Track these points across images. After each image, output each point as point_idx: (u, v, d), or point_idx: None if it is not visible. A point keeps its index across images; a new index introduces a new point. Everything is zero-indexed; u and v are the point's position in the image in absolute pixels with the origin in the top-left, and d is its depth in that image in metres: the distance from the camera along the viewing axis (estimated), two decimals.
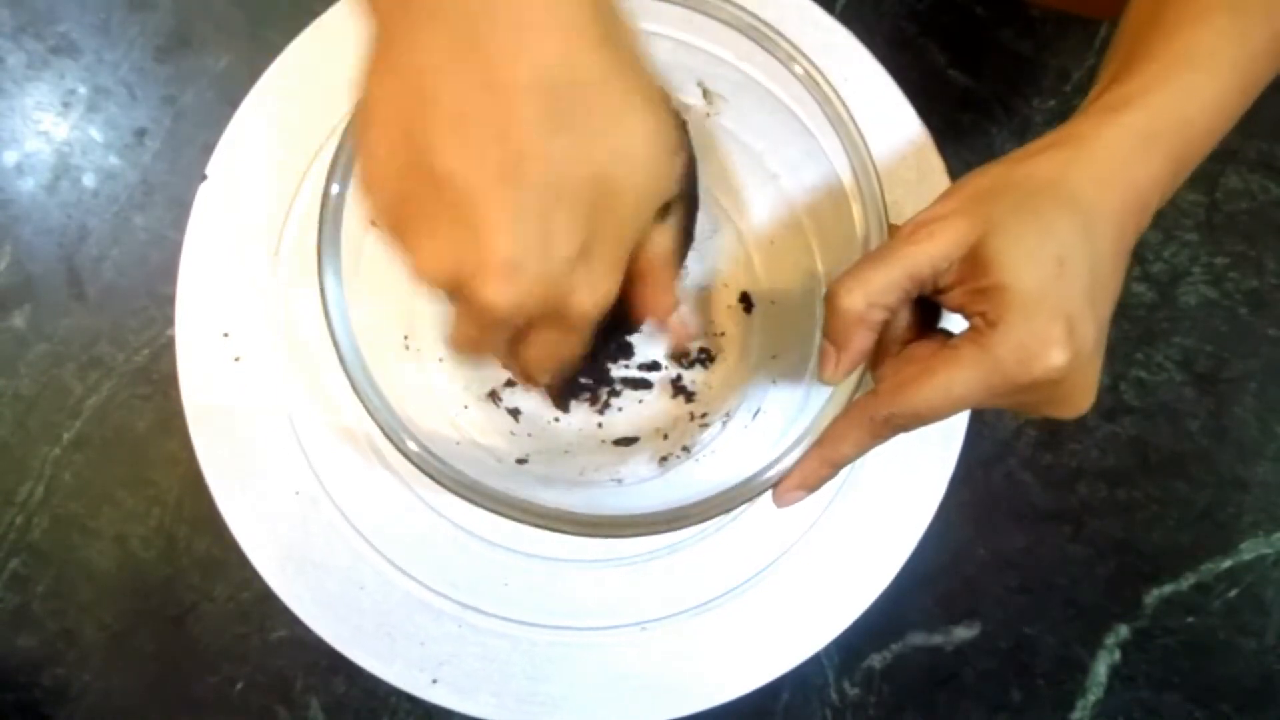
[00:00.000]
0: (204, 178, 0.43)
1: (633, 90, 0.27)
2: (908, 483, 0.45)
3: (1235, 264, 0.52)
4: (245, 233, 0.44)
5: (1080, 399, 0.31)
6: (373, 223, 0.28)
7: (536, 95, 0.25)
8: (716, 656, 0.43)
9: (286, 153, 0.44)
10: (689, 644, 0.43)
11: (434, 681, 0.42)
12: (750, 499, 0.36)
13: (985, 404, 0.31)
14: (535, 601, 0.43)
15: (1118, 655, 0.49)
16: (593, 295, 0.28)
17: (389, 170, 0.27)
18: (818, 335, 0.43)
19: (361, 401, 0.36)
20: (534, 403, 0.45)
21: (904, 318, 0.34)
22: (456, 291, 0.27)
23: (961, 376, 0.30)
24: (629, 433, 0.45)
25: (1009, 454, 0.50)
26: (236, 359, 0.43)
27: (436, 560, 0.43)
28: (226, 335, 0.43)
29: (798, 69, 0.38)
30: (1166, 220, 0.52)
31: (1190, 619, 0.49)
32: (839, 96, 0.38)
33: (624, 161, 0.27)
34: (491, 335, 0.30)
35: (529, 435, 0.45)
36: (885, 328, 0.33)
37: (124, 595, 0.46)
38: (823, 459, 0.34)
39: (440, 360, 0.45)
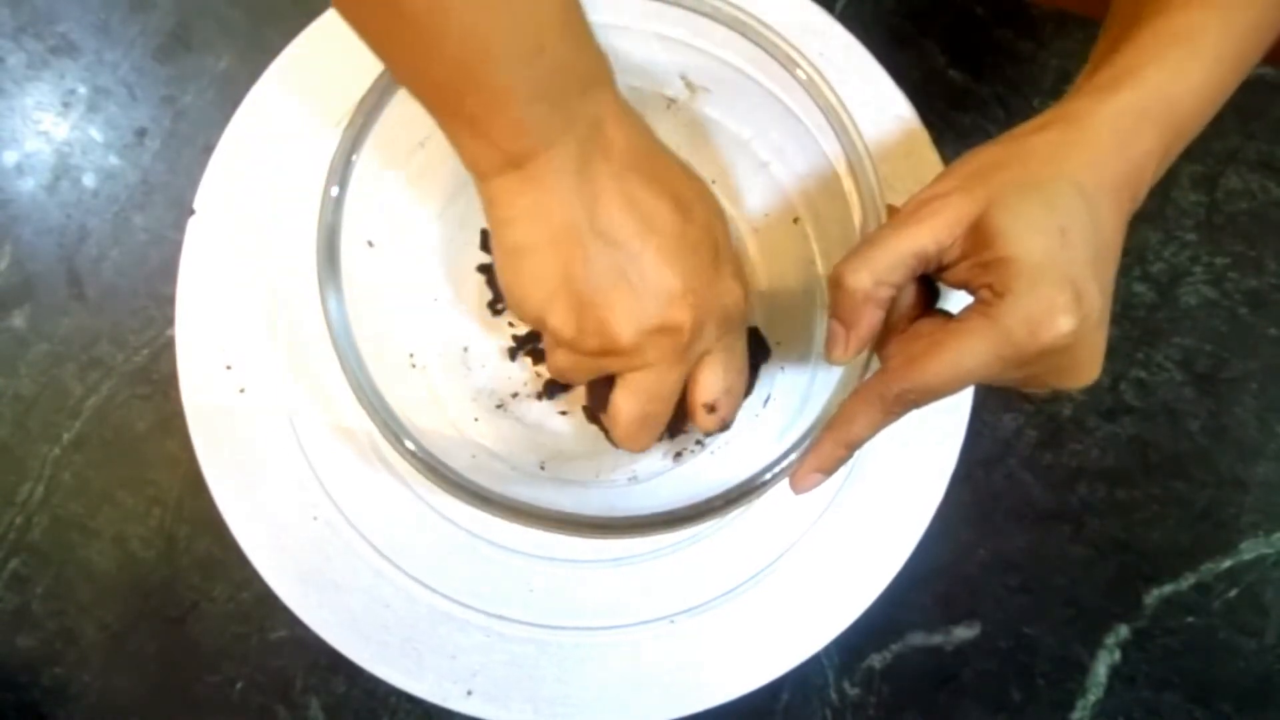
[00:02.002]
0: (192, 212, 0.43)
1: (668, 153, 0.35)
2: (908, 483, 0.45)
3: (1235, 264, 0.52)
4: (244, 240, 0.44)
5: (1087, 367, 0.32)
6: (558, 343, 0.35)
7: (640, 167, 0.33)
8: (716, 656, 0.43)
9: (287, 154, 0.44)
10: (689, 644, 0.43)
11: (469, 693, 0.42)
12: (768, 488, 0.36)
13: (995, 376, 0.31)
14: (558, 604, 0.43)
15: (1118, 655, 0.49)
16: (740, 290, 0.36)
17: (557, 277, 0.32)
18: (820, 318, 0.43)
19: (373, 419, 0.36)
20: (543, 410, 0.45)
21: (908, 295, 0.34)
22: (649, 336, 0.33)
23: (971, 349, 0.30)
24: None
25: (1009, 454, 0.50)
26: (241, 390, 0.43)
27: (459, 572, 0.43)
28: (229, 368, 0.43)
29: (786, 61, 0.38)
30: (1166, 220, 0.52)
31: (1190, 619, 0.49)
32: (826, 82, 0.38)
33: (702, 187, 0.35)
34: (673, 379, 0.36)
35: (541, 442, 0.45)
36: (890, 306, 0.33)
37: (124, 595, 0.46)
38: (836, 441, 0.34)
39: (446, 374, 0.45)
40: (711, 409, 0.37)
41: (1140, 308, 0.51)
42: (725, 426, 0.39)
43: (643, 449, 0.38)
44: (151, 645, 0.46)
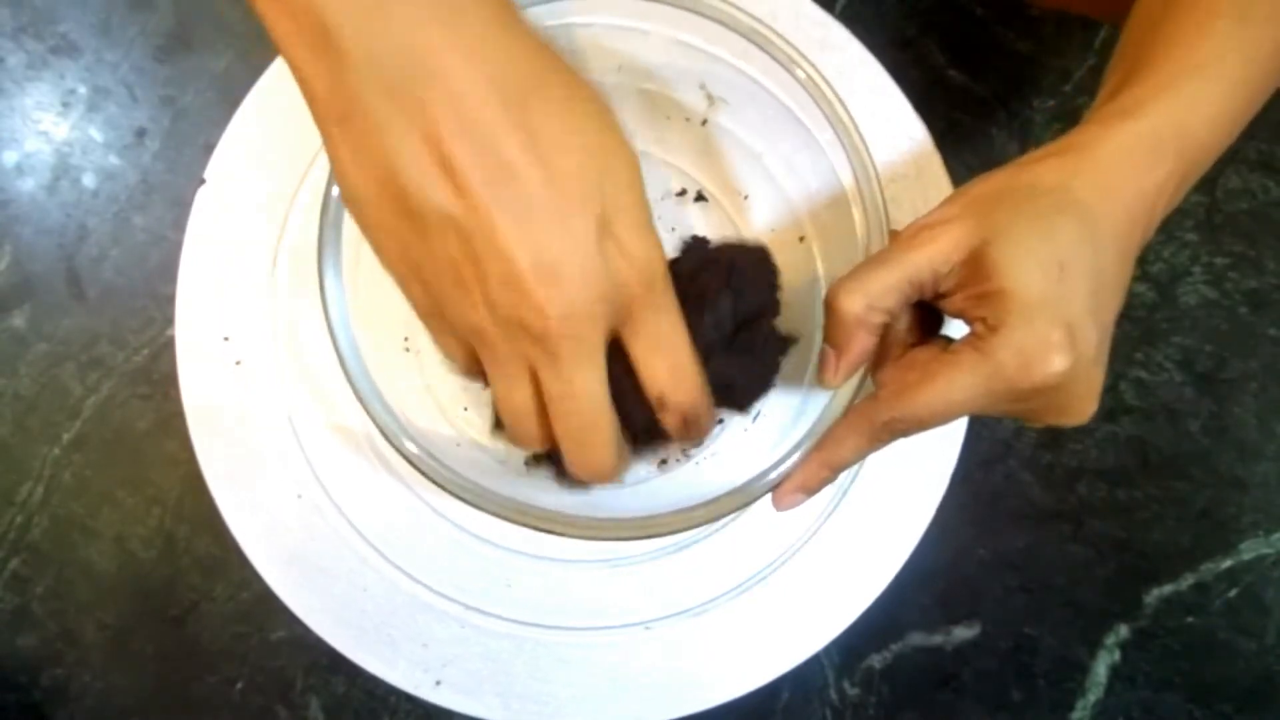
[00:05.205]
0: (202, 181, 0.43)
1: (561, 68, 0.28)
2: (908, 483, 0.45)
3: (1235, 264, 0.52)
4: (245, 234, 0.44)
5: (1082, 406, 0.31)
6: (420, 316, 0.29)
7: (491, 96, 0.25)
8: (716, 656, 0.43)
9: (287, 153, 0.44)
10: (689, 644, 0.43)
11: (438, 683, 0.42)
12: (750, 502, 0.36)
13: (986, 410, 0.31)
14: (538, 602, 0.43)
15: (1118, 655, 0.49)
16: (641, 253, 0.28)
17: (399, 248, 0.27)
18: (818, 338, 0.43)
19: (361, 403, 0.36)
20: None
21: (905, 321, 0.34)
22: (520, 331, 0.27)
23: (962, 381, 0.30)
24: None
25: (1009, 454, 0.50)
26: (237, 362, 0.43)
27: (439, 562, 0.43)
28: (227, 339, 0.43)
29: (799, 73, 0.38)
30: (1166, 220, 0.51)
31: (1190, 619, 0.49)
32: (840, 100, 0.38)
33: (593, 124, 0.27)
34: (575, 377, 0.28)
35: None
36: (886, 331, 0.33)
37: (124, 595, 0.46)
38: (822, 462, 0.34)
39: (440, 362, 0.45)
40: (663, 403, 0.31)
41: (1140, 308, 0.51)
42: (697, 423, 0.32)
43: (599, 472, 0.31)
44: (151, 645, 0.46)
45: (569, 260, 0.26)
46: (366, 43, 0.24)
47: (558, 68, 0.28)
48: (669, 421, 0.32)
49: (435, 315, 0.29)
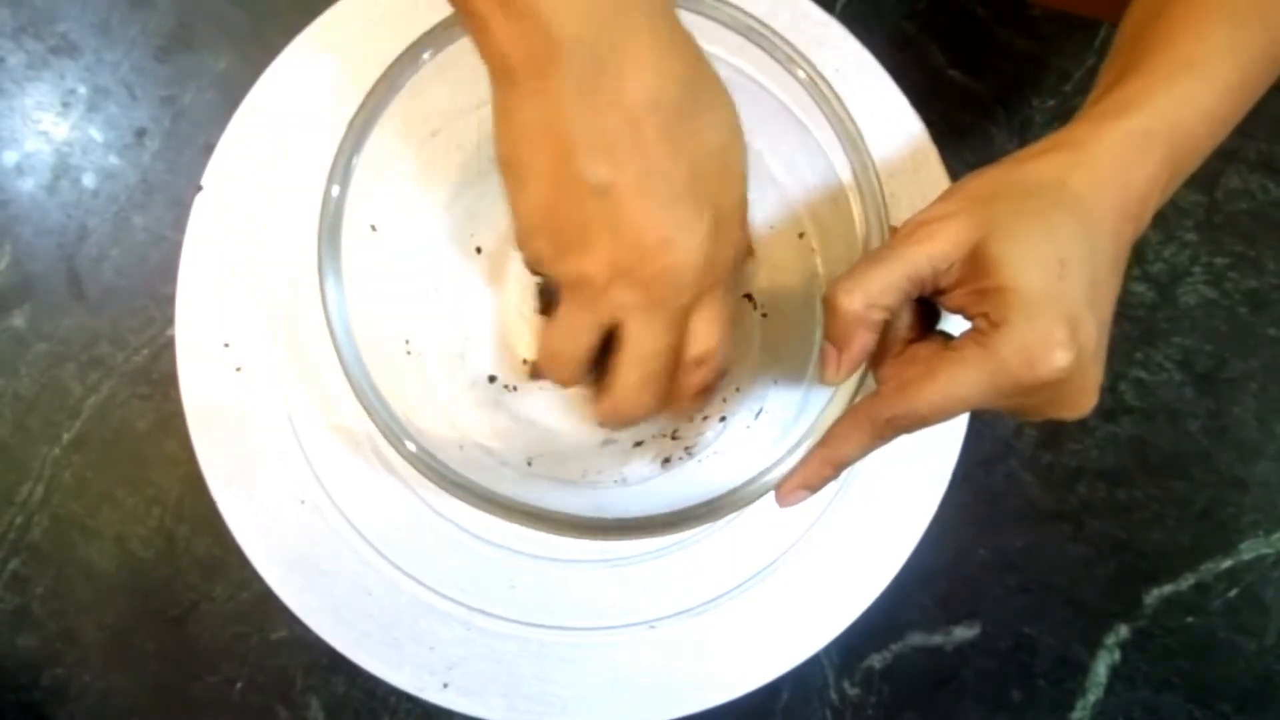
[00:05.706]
0: (199, 188, 0.43)
1: (714, 89, 0.32)
2: (908, 483, 0.45)
3: (1235, 264, 0.52)
4: (245, 235, 0.44)
5: (1082, 400, 0.31)
6: (534, 270, 0.34)
7: (656, 111, 0.30)
8: (716, 656, 0.43)
9: (287, 153, 0.44)
10: (689, 644, 0.43)
11: (445, 686, 0.42)
12: (753, 500, 0.36)
13: (988, 405, 0.31)
14: (542, 603, 0.43)
15: (1118, 655, 0.49)
16: (734, 252, 0.33)
17: (545, 205, 0.31)
18: (818, 335, 0.43)
19: (364, 406, 0.36)
20: (535, 405, 0.45)
21: (905, 318, 0.34)
22: (628, 279, 0.31)
23: (965, 377, 0.30)
24: (632, 435, 0.45)
25: (1009, 454, 0.50)
26: (238, 369, 0.43)
27: (443, 564, 0.43)
28: (227, 346, 0.43)
29: (799, 73, 0.38)
30: (1166, 220, 0.52)
31: (1190, 619, 0.49)
32: (839, 98, 0.38)
33: (723, 149, 0.32)
34: (661, 330, 0.33)
35: (531, 438, 0.45)
36: (886, 328, 0.33)
37: (124, 595, 0.46)
38: (825, 460, 0.34)
39: (441, 364, 0.45)
40: (699, 362, 0.35)
41: (1140, 308, 0.51)
42: (709, 391, 0.36)
43: (639, 414, 0.35)
44: (151, 645, 0.46)
45: (688, 243, 0.31)
46: (575, 26, 0.28)
47: (717, 87, 0.32)
48: (693, 380, 0.35)
49: (542, 260, 0.33)
